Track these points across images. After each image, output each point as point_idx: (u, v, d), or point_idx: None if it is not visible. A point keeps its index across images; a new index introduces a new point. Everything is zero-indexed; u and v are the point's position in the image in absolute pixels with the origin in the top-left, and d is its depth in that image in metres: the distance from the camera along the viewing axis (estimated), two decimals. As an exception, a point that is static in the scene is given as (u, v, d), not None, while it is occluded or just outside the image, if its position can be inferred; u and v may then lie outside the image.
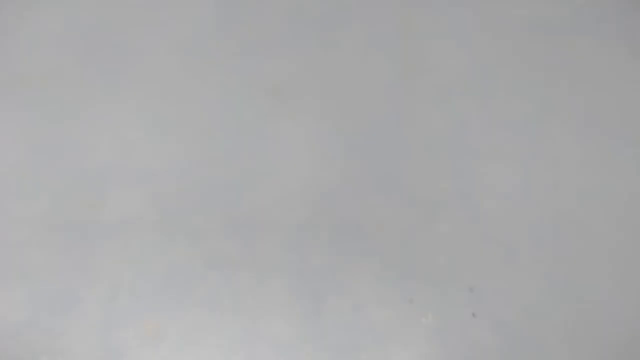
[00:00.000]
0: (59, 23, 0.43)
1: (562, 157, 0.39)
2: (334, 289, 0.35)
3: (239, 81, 0.42)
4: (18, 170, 0.39)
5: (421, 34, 0.43)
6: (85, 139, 0.40)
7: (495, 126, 0.40)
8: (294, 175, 0.37)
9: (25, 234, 0.37)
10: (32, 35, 0.43)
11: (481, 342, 0.34)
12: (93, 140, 0.40)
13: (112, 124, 0.40)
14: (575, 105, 0.40)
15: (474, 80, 0.41)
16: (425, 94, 0.40)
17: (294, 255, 0.36)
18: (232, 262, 0.36)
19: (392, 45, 0.42)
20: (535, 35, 0.42)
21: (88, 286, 0.36)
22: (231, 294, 0.35)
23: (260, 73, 0.41)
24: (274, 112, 0.40)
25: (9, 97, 0.41)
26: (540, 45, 0.42)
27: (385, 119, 0.39)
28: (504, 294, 0.35)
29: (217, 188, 0.38)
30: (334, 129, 0.39)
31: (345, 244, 0.33)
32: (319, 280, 0.35)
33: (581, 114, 0.40)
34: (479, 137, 0.40)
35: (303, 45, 0.43)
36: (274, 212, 0.37)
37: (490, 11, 0.43)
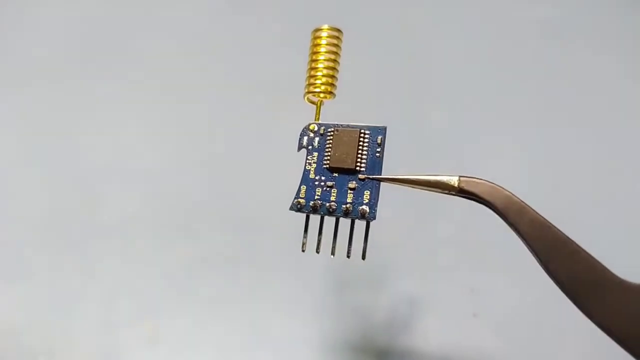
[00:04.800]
0: (58, 22, 0.43)
1: (562, 157, 0.39)
2: (335, 289, 0.35)
3: (239, 81, 0.42)
4: (17, 170, 0.39)
5: (421, 33, 0.43)
6: (85, 139, 0.40)
7: (495, 126, 0.40)
8: (294, 175, 0.37)
9: (24, 234, 0.37)
10: (30, 34, 0.43)
11: (482, 342, 0.34)
12: (92, 140, 0.40)
13: (111, 123, 0.40)
14: (576, 105, 0.40)
15: (474, 80, 0.41)
16: (425, 93, 0.40)
17: (294, 255, 0.36)
18: (232, 262, 0.36)
19: (393, 44, 0.42)
20: (536, 35, 0.42)
21: (88, 286, 0.36)
22: (231, 294, 0.35)
23: (260, 73, 0.42)
24: (274, 112, 0.40)
25: (8, 96, 0.41)
26: (540, 45, 0.42)
27: (385, 119, 0.39)
28: (505, 294, 0.35)
29: (217, 188, 0.38)
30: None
31: (345, 243, 0.33)
32: (319, 280, 0.35)
33: (582, 114, 0.40)
34: (479, 137, 0.40)
35: (303, 45, 0.43)
36: (274, 212, 0.37)
37: (490, 11, 0.43)
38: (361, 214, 0.22)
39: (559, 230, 0.20)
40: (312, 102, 0.24)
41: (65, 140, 0.40)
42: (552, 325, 0.34)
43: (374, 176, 0.22)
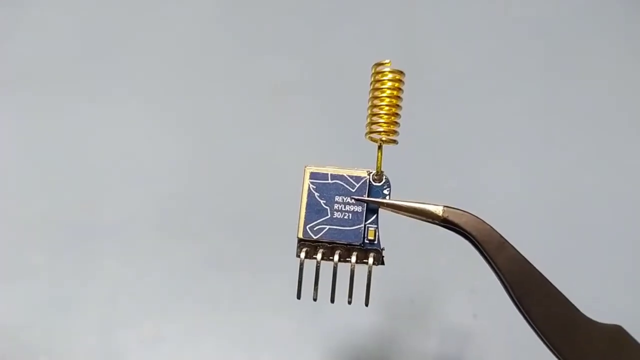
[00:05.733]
0: (58, 22, 0.43)
1: (562, 157, 0.39)
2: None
3: (239, 81, 0.41)
4: (17, 170, 0.39)
5: (422, 33, 0.43)
6: (85, 139, 0.40)
7: (495, 126, 0.40)
8: (294, 175, 0.37)
9: (24, 234, 0.37)
10: (30, 34, 0.43)
11: (482, 342, 0.34)
12: (93, 140, 0.40)
13: (112, 123, 0.40)
14: (576, 105, 0.40)
15: (475, 80, 0.41)
16: (426, 93, 0.40)
17: (294, 255, 0.36)
18: (232, 262, 0.36)
19: (393, 45, 0.42)
20: (536, 35, 0.42)
21: (88, 286, 0.36)
22: (231, 294, 0.35)
23: (260, 73, 0.41)
24: (274, 112, 0.40)
25: (8, 96, 0.41)
26: (540, 45, 0.42)
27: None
28: (505, 295, 0.35)
29: (217, 188, 0.38)
30: (334, 129, 0.39)
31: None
32: (319, 280, 0.35)
33: (582, 114, 0.40)
34: (479, 137, 0.40)
35: (303, 45, 0.43)
36: (274, 212, 0.37)
37: (490, 11, 0.43)
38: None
39: (535, 268, 0.21)
40: (374, 141, 0.23)
41: (66, 140, 0.40)
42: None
43: (360, 197, 0.22)
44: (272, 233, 0.36)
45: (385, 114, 0.22)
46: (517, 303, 0.21)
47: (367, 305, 0.22)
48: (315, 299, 0.22)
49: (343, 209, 0.22)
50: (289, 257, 0.36)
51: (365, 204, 0.22)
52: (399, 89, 0.22)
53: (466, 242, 0.36)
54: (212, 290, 0.35)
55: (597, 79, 0.41)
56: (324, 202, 0.22)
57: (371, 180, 0.22)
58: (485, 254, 0.21)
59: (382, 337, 0.34)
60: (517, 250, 0.21)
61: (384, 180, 0.22)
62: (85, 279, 0.36)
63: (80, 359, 0.34)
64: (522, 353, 0.34)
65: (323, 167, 0.22)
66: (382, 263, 0.22)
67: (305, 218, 0.22)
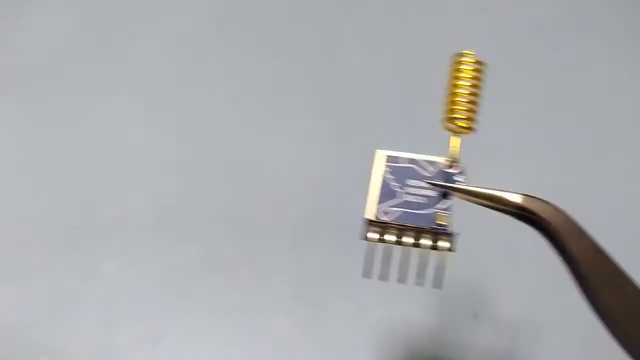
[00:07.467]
0: (58, 21, 0.43)
1: (562, 157, 0.39)
2: (335, 289, 0.35)
3: (239, 81, 0.42)
4: (17, 170, 0.39)
5: (422, 33, 0.43)
6: (85, 139, 0.40)
7: (496, 126, 0.40)
8: (294, 175, 0.37)
9: (24, 234, 0.37)
10: (30, 34, 0.43)
11: (482, 342, 0.34)
12: (92, 140, 0.40)
13: (111, 123, 0.40)
14: (576, 105, 0.40)
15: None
16: (426, 93, 0.40)
17: (294, 255, 0.36)
18: (232, 262, 0.36)
19: (393, 44, 0.42)
20: (536, 35, 0.42)
21: (88, 286, 0.35)
22: (231, 294, 0.35)
23: (260, 73, 0.42)
24: (274, 112, 0.40)
25: (7, 96, 0.41)
26: (540, 45, 0.42)
27: (385, 119, 0.39)
28: (505, 294, 0.35)
29: (217, 188, 0.38)
30: (333, 129, 0.39)
31: (346, 243, 0.33)
32: (320, 280, 0.35)
33: (582, 114, 0.40)
34: (480, 137, 0.40)
35: (303, 45, 0.43)
36: (274, 212, 0.37)
37: (490, 11, 0.43)
38: None
39: (614, 259, 0.20)
40: (451, 130, 0.23)
41: (66, 140, 0.40)
42: (552, 326, 0.34)
43: (434, 182, 0.22)
44: (272, 233, 0.36)
45: (467, 102, 0.22)
46: (591, 293, 0.20)
47: (440, 288, 0.21)
48: (385, 280, 0.22)
49: (416, 192, 0.22)
50: (290, 257, 0.37)
51: (439, 189, 0.22)
52: (480, 79, 0.22)
53: (465, 239, 0.36)
54: (212, 290, 0.35)
55: (597, 78, 0.41)
56: (397, 185, 0.22)
57: (446, 167, 0.23)
58: (561, 243, 0.20)
59: (381, 336, 0.34)
60: (594, 239, 0.20)
61: (459, 169, 0.23)
62: (85, 279, 0.36)
63: (80, 359, 0.34)
64: (522, 353, 0.34)
65: (398, 151, 0.23)
66: (454, 249, 0.22)
67: (377, 199, 0.22)
